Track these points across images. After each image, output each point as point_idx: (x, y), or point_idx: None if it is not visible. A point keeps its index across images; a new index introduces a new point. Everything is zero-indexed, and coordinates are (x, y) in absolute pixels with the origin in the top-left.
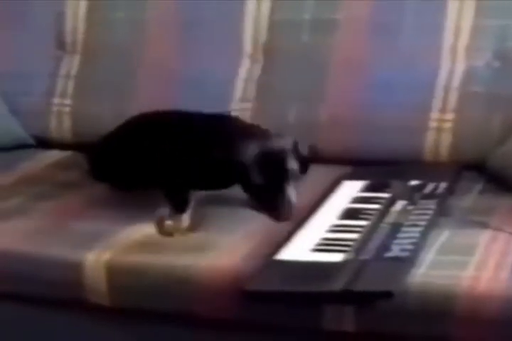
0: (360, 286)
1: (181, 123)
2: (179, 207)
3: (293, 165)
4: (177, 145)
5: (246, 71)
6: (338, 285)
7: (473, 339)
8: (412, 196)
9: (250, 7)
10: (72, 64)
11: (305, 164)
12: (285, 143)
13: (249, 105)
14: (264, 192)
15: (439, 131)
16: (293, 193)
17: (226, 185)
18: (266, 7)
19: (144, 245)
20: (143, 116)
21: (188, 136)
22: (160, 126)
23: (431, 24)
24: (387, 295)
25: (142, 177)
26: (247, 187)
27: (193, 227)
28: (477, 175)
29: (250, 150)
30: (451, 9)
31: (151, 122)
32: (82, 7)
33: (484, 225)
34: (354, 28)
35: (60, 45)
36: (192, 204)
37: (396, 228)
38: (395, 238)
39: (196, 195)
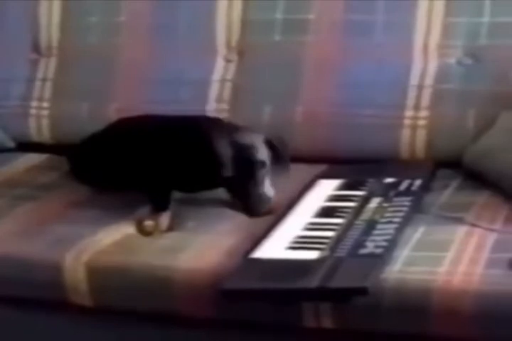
0: (336, 283)
1: (160, 125)
2: (159, 207)
3: (263, 157)
4: (156, 145)
5: (220, 71)
6: (313, 282)
7: (450, 334)
8: (387, 193)
9: (222, 7)
10: (48, 67)
11: (283, 160)
12: (256, 137)
13: (224, 105)
14: (237, 185)
15: (414, 128)
16: (268, 187)
17: (207, 185)
18: (238, 7)
19: (123, 245)
20: (124, 120)
21: (166, 136)
22: (140, 129)
23: (402, 23)
24: (363, 291)
25: (123, 177)
26: (221, 181)
27: (172, 227)
28: (453, 171)
29: (220, 145)
30: (422, 7)
31: (132, 125)
32: (56, 11)
33: (460, 221)
34: (326, 28)
35: (36, 48)
36: (171, 204)
37: (371, 225)
38: (370, 235)
39: (175, 195)
